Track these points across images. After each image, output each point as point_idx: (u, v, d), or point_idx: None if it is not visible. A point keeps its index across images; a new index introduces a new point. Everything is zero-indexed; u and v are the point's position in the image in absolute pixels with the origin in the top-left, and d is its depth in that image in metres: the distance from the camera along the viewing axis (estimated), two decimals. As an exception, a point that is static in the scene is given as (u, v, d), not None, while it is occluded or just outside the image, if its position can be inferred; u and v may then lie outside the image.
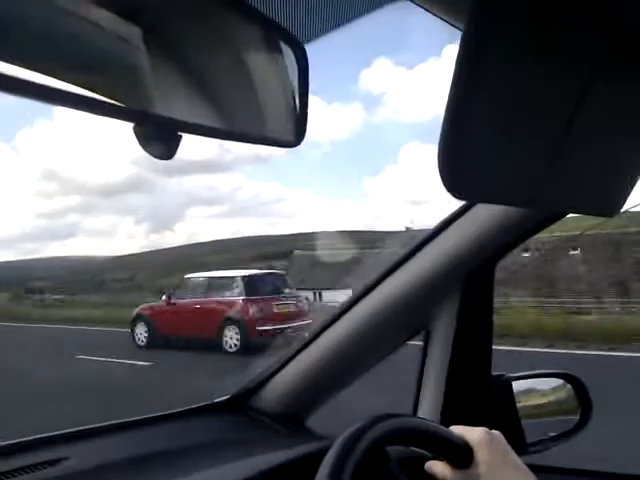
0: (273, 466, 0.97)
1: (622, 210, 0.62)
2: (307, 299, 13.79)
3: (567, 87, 0.47)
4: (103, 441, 1.17)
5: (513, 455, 0.88)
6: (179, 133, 0.48)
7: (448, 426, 0.88)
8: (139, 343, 11.47)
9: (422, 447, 0.87)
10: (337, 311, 1.28)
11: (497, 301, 1.27)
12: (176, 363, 9.17)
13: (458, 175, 0.45)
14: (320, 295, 18.47)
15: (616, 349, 8.73)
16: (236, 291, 11.09)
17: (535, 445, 1.19)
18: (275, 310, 10.87)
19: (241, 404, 1.36)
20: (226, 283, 11.43)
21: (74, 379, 7.48)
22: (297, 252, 24.49)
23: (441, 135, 0.43)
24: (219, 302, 11.03)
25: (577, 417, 1.25)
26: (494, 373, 1.21)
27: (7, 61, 0.40)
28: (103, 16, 0.46)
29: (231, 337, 10.51)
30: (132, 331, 11.69)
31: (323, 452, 0.73)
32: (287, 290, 11.83)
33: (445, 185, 0.44)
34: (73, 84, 0.44)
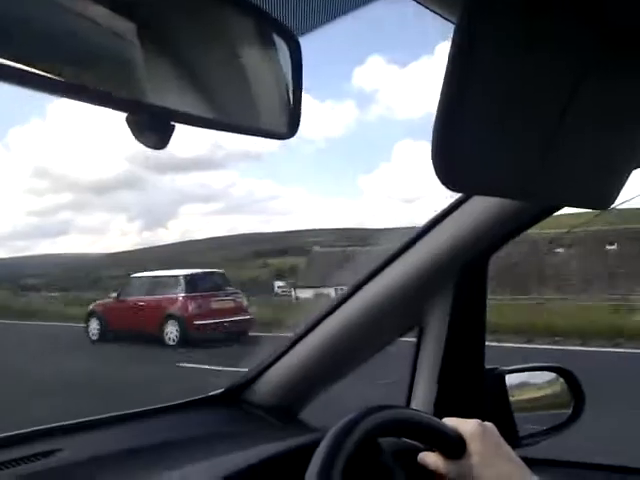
0: (263, 458, 0.97)
1: (615, 204, 0.62)
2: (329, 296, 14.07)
3: (560, 80, 0.47)
4: (97, 433, 1.18)
5: (506, 447, 0.88)
6: (172, 123, 0.47)
7: (441, 418, 0.88)
8: (92, 338, 12.13)
9: (415, 438, 0.87)
10: (331, 305, 1.28)
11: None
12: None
13: (452, 167, 0.45)
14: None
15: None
16: (177, 289, 11.95)
17: (528, 438, 1.19)
18: (213, 306, 11.67)
19: (235, 397, 1.36)
20: (169, 282, 12.34)
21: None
22: (316, 249, 24.24)
23: (434, 127, 0.43)
24: (162, 299, 11.87)
25: (570, 410, 1.26)
26: (487, 366, 1.22)
27: (2, 56, 0.40)
28: (98, 11, 0.46)
29: (171, 331, 11.31)
30: (86, 326, 12.41)
31: (315, 444, 0.74)
32: (229, 288, 12.71)
33: (439, 177, 0.44)
34: (68, 75, 0.44)
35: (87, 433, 1.17)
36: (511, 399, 1.20)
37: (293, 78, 0.58)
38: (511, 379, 1.21)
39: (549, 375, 1.29)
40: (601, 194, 0.60)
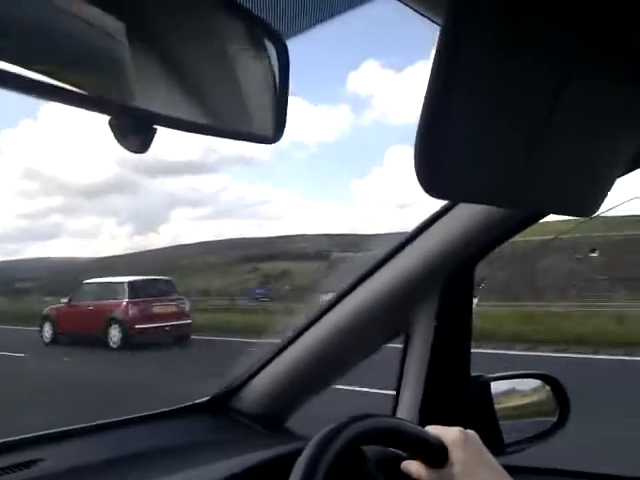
0: (248, 467, 0.96)
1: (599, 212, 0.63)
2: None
3: (543, 83, 0.47)
4: (80, 442, 1.16)
5: (488, 455, 0.88)
6: (155, 126, 0.47)
7: (426, 425, 0.88)
8: (45, 340, 12.84)
9: (397, 447, 0.87)
10: (318, 311, 1.28)
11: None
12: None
13: (435, 173, 0.44)
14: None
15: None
16: (122, 294, 12.65)
17: (512, 446, 1.19)
18: (155, 311, 12.44)
19: (221, 405, 1.35)
20: (115, 287, 13.01)
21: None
22: (335, 254, 24.18)
23: (417, 132, 0.42)
24: (107, 304, 12.57)
25: (555, 418, 1.26)
26: (473, 374, 1.22)
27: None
28: (86, 10, 0.45)
29: (114, 335, 12.04)
30: (40, 329, 13.08)
31: (299, 452, 0.73)
32: (174, 294, 13.52)
33: (422, 184, 0.44)
34: (53, 77, 0.44)
35: (70, 442, 1.15)
36: (497, 406, 1.20)
37: (280, 82, 0.58)
38: (497, 386, 1.21)
39: (535, 382, 1.29)
40: (585, 201, 0.60)
